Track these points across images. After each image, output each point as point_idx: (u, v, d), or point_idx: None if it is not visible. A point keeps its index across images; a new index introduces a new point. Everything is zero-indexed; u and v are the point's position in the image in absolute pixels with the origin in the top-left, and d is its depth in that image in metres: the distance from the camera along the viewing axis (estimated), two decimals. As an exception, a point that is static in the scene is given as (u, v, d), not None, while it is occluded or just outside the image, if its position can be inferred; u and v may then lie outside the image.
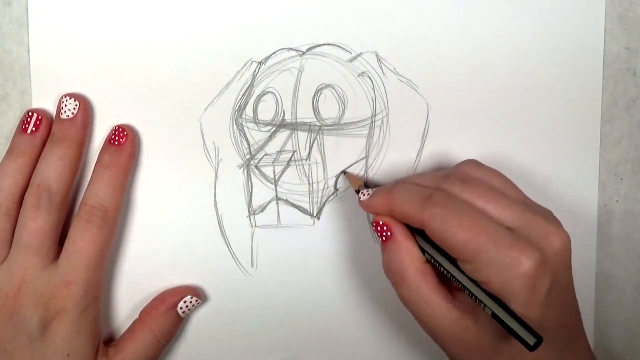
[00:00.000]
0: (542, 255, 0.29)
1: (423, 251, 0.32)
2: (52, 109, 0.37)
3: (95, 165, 0.36)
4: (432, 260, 0.32)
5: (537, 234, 0.30)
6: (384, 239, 0.33)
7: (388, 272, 0.33)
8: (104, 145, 0.37)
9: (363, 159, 0.38)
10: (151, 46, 0.37)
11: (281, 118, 0.38)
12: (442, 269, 0.31)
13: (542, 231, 0.31)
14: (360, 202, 0.34)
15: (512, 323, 0.28)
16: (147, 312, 0.37)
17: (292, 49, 0.37)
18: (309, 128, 0.38)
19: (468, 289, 0.30)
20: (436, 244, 0.31)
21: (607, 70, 0.38)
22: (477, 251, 0.29)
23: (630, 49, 0.38)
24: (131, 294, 0.38)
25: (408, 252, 0.32)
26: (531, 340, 0.28)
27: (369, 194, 0.34)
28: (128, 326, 0.38)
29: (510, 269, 0.29)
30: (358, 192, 0.35)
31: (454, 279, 0.31)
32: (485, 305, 0.30)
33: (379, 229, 0.33)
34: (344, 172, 0.38)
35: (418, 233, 0.32)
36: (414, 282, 0.32)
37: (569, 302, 0.32)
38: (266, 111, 0.38)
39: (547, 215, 0.32)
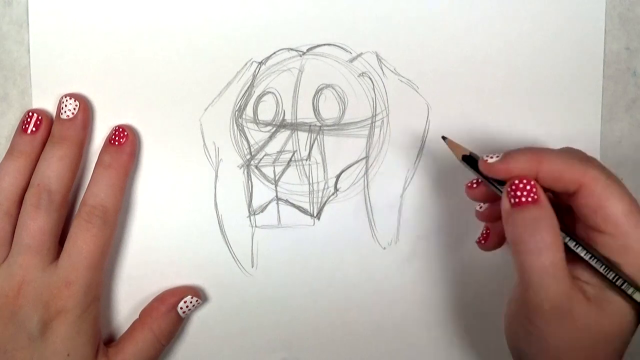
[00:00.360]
0: None
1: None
2: (52, 109, 0.37)
3: (95, 165, 0.36)
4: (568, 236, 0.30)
5: None
6: (530, 199, 0.29)
7: (528, 237, 0.29)
8: (104, 145, 0.37)
9: (363, 159, 0.38)
10: (151, 46, 0.37)
11: (281, 118, 0.38)
12: (577, 246, 0.30)
13: None
14: (488, 164, 0.31)
15: None
16: (147, 312, 0.37)
17: (292, 49, 0.37)
18: (309, 128, 0.38)
19: (607, 266, 0.29)
20: (583, 211, 0.29)
21: (607, 70, 0.38)
22: (635, 226, 0.28)
23: (630, 49, 0.38)
24: (131, 294, 0.38)
25: (555, 221, 0.29)
26: None
27: (497, 157, 0.31)
28: (128, 326, 0.38)
29: None
30: (465, 159, 0.32)
31: (590, 257, 0.29)
32: (622, 283, 0.28)
33: (527, 188, 0.29)
34: (444, 138, 0.34)
35: None
36: (558, 255, 0.29)
37: None
38: (266, 111, 0.38)
39: None
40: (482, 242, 0.36)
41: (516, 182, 0.30)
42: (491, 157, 0.31)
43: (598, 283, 0.30)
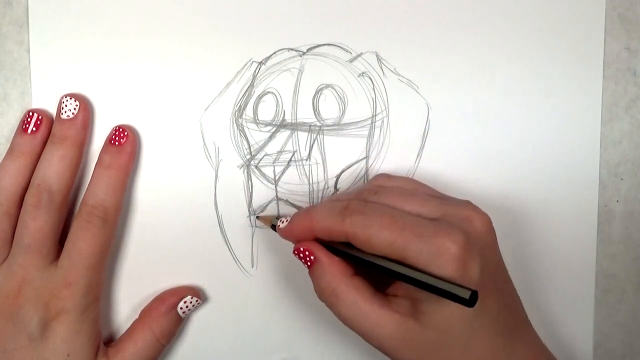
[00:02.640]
0: (466, 237, 0.29)
1: (356, 261, 0.32)
2: (52, 109, 0.37)
3: (95, 165, 0.36)
4: (364, 264, 0.31)
5: (457, 219, 0.31)
6: (309, 264, 0.33)
7: (321, 295, 0.32)
8: (104, 145, 0.37)
9: (363, 159, 0.38)
10: (151, 46, 0.37)
11: (281, 118, 0.38)
12: (375, 268, 0.31)
13: (462, 216, 0.31)
14: (279, 229, 0.34)
15: (443, 284, 0.28)
16: (147, 312, 0.37)
17: (292, 49, 0.38)
18: (309, 128, 0.38)
19: (403, 275, 0.30)
20: (363, 250, 0.31)
21: (607, 70, 0.38)
22: (404, 248, 0.29)
23: (630, 49, 0.38)
24: (131, 294, 0.38)
25: (335, 269, 0.32)
26: (466, 294, 0.28)
27: (286, 220, 0.34)
28: (128, 326, 0.37)
29: (439, 255, 0.29)
30: (274, 227, 0.35)
31: (391, 274, 0.30)
32: (417, 282, 0.29)
33: (302, 255, 0.33)
34: (257, 217, 0.38)
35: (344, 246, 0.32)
36: (349, 297, 0.31)
37: (504, 283, 0.33)
38: (266, 111, 0.38)
39: (465, 203, 0.32)
40: None
41: (296, 250, 0.33)
42: (282, 222, 0.34)
43: (408, 293, 0.31)
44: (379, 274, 0.31)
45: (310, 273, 0.33)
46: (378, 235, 0.30)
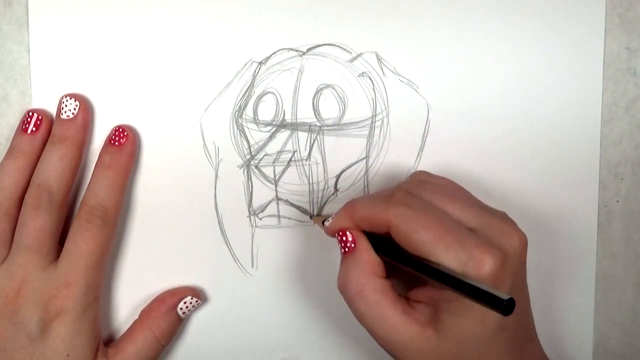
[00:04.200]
0: (503, 255, 0.29)
1: (386, 253, 0.32)
2: (52, 109, 0.37)
3: (95, 165, 0.36)
4: (395, 261, 0.31)
5: (496, 234, 0.31)
6: (347, 250, 0.32)
7: (345, 286, 0.32)
8: (104, 145, 0.37)
9: (363, 159, 0.38)
10: (151, 46, 0.37)
11: (281, 118, 0.38)
12: (412, 264, 0.31)
13: (502, 231, 0.31)
14: (325, 227, 0.34)
15: (485, 287, 0.28)
16: (147, 313, 0.37)
17: (292, 49, 0.38)
18: (309, 128, 0.38)
19: (443, 275, 0.29)
20: (400, 244, 0.31)
21: (607, 70, 0.38)
22: (445, 250, 0.29)
23: (630, 49, 0.38)
24: (131, 294, 0.38)
25: (369, 266, 0.32)
26: (501, 301, 0.27)
27: (332, 218, 0.34)
28: (128, 326, 0.37)
29: (476, 268, 0.29)
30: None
31: (430, 272, 0.30)
32: (456, 283, 0.29)
33: (344, 238, 0.33)
34: (311, 216, 0.38)
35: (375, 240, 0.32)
36: (373, 296, 0.31)
37: (525, 303, 0.33)
38: (266, 111, 0.38)
39: (504, 216, 0.32)
40: None
41: (340, 232, 0.33)
42: (328, 220, 0.34)
43: (431, 300, 0.31)
44: (403, 276, 0.31)
45: (343, 260, 0.33)
46: (422, 233, 0.30)
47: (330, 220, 0.34)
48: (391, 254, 0.32)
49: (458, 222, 0.31)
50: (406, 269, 0.31)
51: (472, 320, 0.30)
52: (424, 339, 0.31)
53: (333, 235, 0.34)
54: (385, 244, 0.32)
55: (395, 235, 0.31)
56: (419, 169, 0.38)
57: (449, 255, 0.29)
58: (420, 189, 0.32)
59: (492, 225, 0.31)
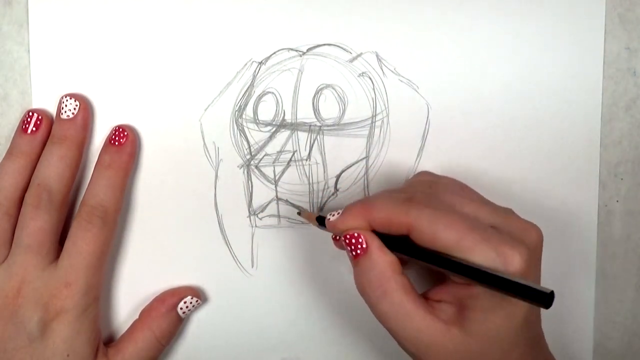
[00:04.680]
0: (529, 251, 0.29)
1: (404, 251, 0.31)
2: (52, 109, 0.37)
3: (95, 165, 0.36)
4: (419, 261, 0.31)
5: (517, 230, 0.31)
6: (358, 252, 0.31)
7: (366, 288, 0.31)
8: (104, 145, 0.37)
9: (363, 159, 0.38)
10: (151, 46, 0.37)
11: (281, 118, 0.38)
12: (439, 263, 0.30)
13: (521, 227, 0.31)
14: (330, 222, 0.32)
15: (524, 281, 0.27)
16: (147, 312, 0.37)
17: (292, 49, 0.38)
18: (309, 128, 0.38)
19: (470, 272, 0.29)
20: (422, 246, 0.30)
21: (607, 70, 0.38)
22: (470, 249, 0.29)
23: (630, 49, 0.38)
24: (131, 294, 0.38)
25: (387, 264, 0.31)
26: (544, 295, 0.27)
27: (338, 213, 0.32)
28: (128, 326, 0.38)
29: (505, 264, 0.29)
30: (319, 221, 0.34)
31: (460, 269, 0.29)
32: (491, 278, 0.28)
33: (353, 241, 0.31)
34: (298, 212, 0.38)
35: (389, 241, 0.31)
36: (397, 295, 0.30)
37: None
38: (266, 111, 0.38)
39: (512, 213, 0.32)
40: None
41: (348, 235, 0.31)
42: (333, 215, 0.32)
43: (455, 299, 0.31)
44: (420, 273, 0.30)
45: (356, 263, 0.31)
46: (446, 232, 0.29)
47: (337, 217, 0.32)
48: (411, 252, 0.31)
49: (478, 220, 0.30)
50: (431, 267, 0.30)
51: (500, 316, 0.30)
52: (448, 337, 0.30)
53: (337, 233, 0.32)
54: (398, 242, 0.31)
55: (417, 236, 0.30)
56: (419, 169, 0.38)
57: (475, 253, 0.29)
58: (433, 189, 0.32)
59: (510, 221, 0.31)
